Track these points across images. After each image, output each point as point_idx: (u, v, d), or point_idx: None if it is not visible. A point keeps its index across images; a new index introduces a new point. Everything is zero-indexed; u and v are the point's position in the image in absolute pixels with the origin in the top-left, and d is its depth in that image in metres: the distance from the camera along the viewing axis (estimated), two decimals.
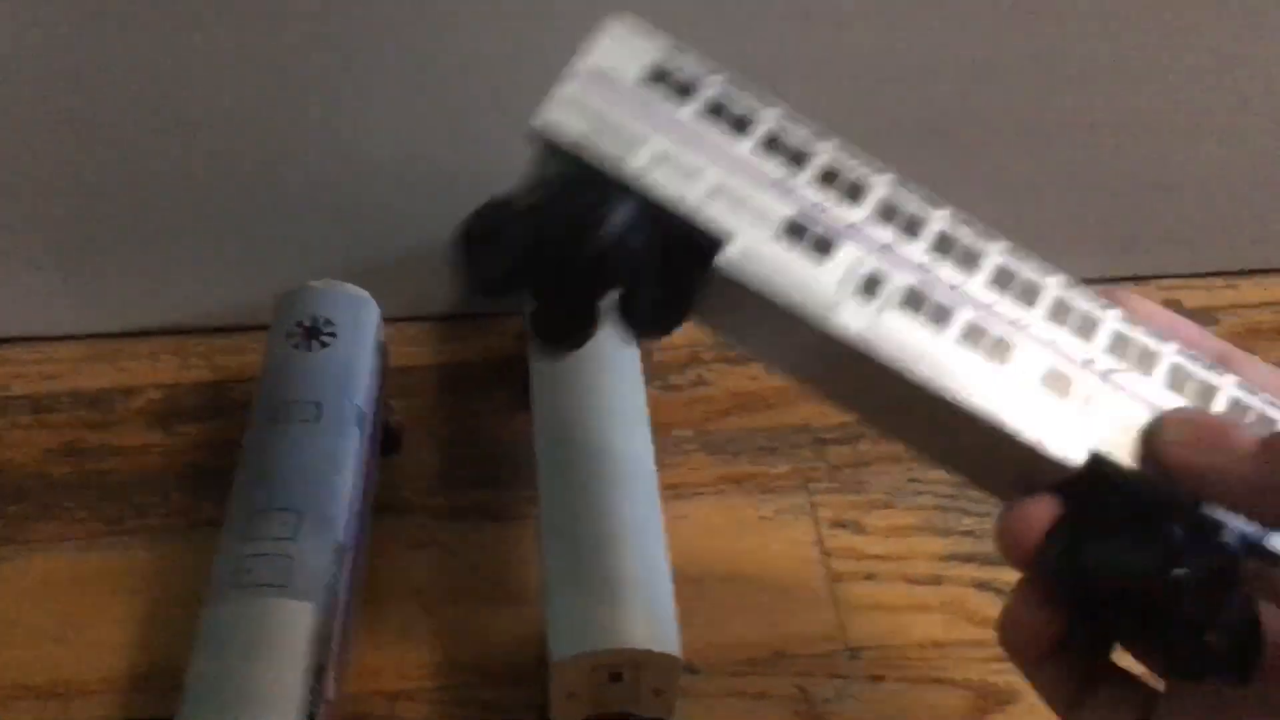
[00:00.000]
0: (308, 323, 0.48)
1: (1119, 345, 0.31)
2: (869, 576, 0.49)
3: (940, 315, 0.31)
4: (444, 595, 0.48)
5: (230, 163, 0.53)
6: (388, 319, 0.51)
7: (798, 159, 0.32)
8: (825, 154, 0.32)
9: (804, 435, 0.54)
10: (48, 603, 0.48)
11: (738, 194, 0.31)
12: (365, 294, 0.50)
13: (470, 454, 0.54)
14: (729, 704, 0.45)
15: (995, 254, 0.32)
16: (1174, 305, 0.62)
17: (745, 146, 0.32)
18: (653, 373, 0.54)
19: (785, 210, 0.31)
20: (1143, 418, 0.30)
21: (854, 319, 0.31)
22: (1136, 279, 0.62)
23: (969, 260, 0.32)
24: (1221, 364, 0.32)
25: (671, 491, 0.50)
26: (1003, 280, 0.32)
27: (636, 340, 0.32)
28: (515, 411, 0.54)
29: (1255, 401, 0.31)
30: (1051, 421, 0.30)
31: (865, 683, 0.46)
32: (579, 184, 0.31)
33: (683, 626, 0.41)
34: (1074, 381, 0.31)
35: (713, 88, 0.33)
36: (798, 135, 0.33)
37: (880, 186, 0.32)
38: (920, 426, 0.32)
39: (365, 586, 0.47)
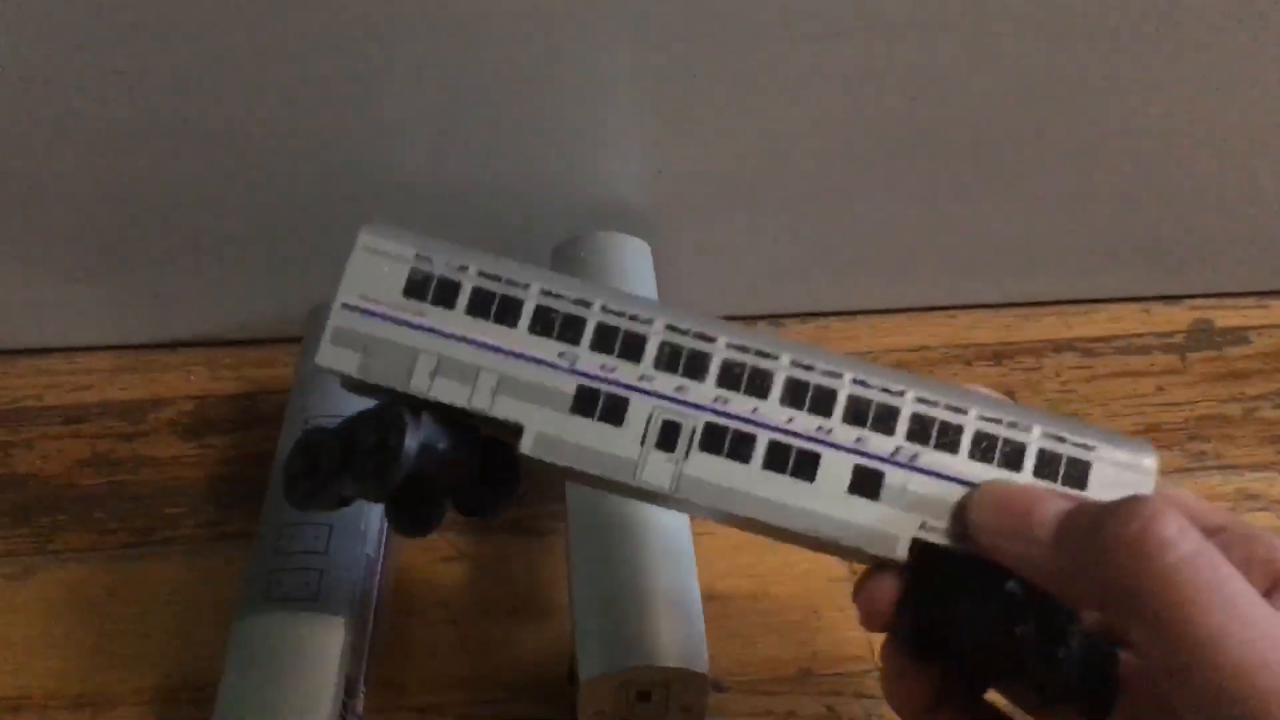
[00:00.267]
0: None
1: (919, 430, 0.32)
2: None
3: (741, 447, 0.32)
4: (472, 610, 0.48)
5: (263, 176, 0.53)
6: None
7: (572, 328, 0.33)
8: (596, 316, 0.33)
9: None
10: (79, 613, 0.48)
11: (522, 382, 0.33)
12: None
13: None
14: None
15: (783, 371, 0.33)
16: (1205, 324, 0.61)
17: (519, 332, 0.33)
18: None
19: (570, 385, 0.33)
20: (957, 494, 0.32)
21: (660, 474, 0.32)
22: (1167, 298, 0.62)
23: (759, 384, 0.33)
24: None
25: None
26: (796, 396, 0.33)
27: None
28: None
29: (1064, 449, 0.32)
30: (868, 524, 0.32)
31: None
32: (377, 410, 0.33)
33: (710, 644, 0.40)
34: (885, 476, 0.32)
35: (472, 279, 0.33)
36: (566, 303, 0.33)
37: (656, 334, 0.33)
38: (753, 529, 0.34)
39: (393, 600, 0.47)
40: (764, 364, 0.33)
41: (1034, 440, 0.32)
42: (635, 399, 0.33)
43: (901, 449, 0.32)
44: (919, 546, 0.32)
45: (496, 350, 0.33)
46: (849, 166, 0.55)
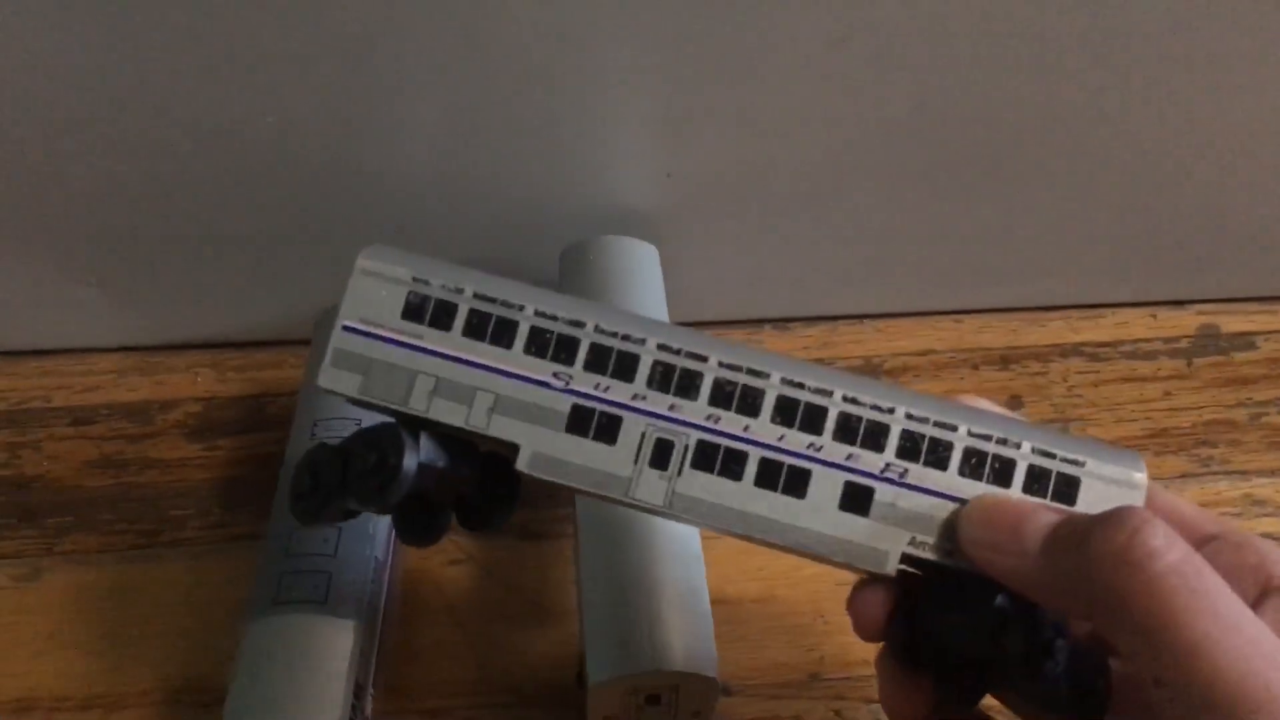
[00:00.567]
0: None
1: (909, 447, 0.33)
2: None
3: (732, 464, 0.33)
4: (480, 614, 0.48)
5: (271, 179, 0.53)
6: None
7: (566, 348, 0.34)
8: (589, 337, 0.34)
9: None
10: (86, 614, 0.48)
11: (517, 401, 0.33)
12: None
13: None
14: None
15: (774, 390, 0.33)
16: (1212, 329, 0.61)
17: (514, 353, 0.34)
18: None
19: (565, 404, 0.33)
20: (947, 509, 0.32)
21: (653, 491, 0.33)
22: (1174, 303, 0.62)
23: (750, 402, 0.33)
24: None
25: None
26: (787, 413, 0.33)
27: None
28: None
29: (1054, 464, 0.33)
30: (859, 540, 0.32)
31: None
32: (376, 429, 0.34)
33: (718, 648, 0.41)
34: (875, 493, 0.33)
35: (468, 301, 0.34)
36: (560, 324, 0.34)
37: (648, 354, 0.34)
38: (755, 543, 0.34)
39: (401, 604, 0.47)
40: (755, 382, 0.33)
41: (1023, 456, 0.33)
42: (629, 418, 0.33)
43: (891, 465, 0.33)
44: (909, 561, 0.32)
45: (492, 371, 0.34)
46: (857, 171, 0.55)
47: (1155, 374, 0.59)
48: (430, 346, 0.34)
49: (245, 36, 0.48)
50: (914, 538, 0.32)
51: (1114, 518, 0.27)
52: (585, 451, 0.33)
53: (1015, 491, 0.32)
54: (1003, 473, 0.33)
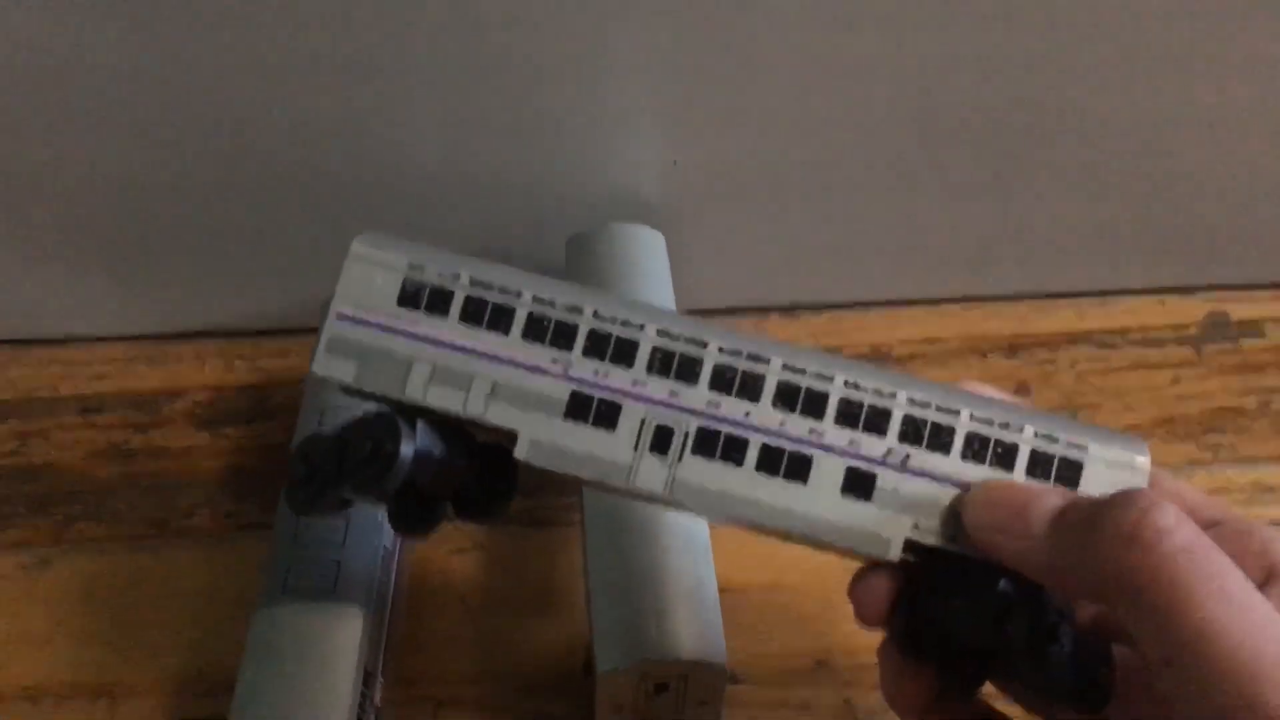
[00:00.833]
0: None
1: (911, 432, 0.32)
2: None
3: (733, 451, 0.32)
4: (488, 602, 0.48)
5: (277, 167, 0.53)
6: None
7: (564, 334, 0.33)
8: (588, 323, 0.34)
9: None
10: (95, 603, 0.48)
11: (515, 389, 0.33)
12: None
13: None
14: (774, 714, 0.45)
15: (774, 375, 0.33)
16: (1220, 316, 0.61)
17: (512, 339, 0.33)
18: None
19: (564, 391, 0.33)
20: (949, 494, 0.32)
21: (653, 478, 0.33)
22: (1183, 290, 0.62)
23: (751, 387, 0.33)
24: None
25: None
26: (788, 399, 0.33)
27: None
28: None
29: (1057, 449, 0.32)
30: (861, 525, 0.32)
31: None
32: (372, 417, 0.34)
33: (726, 636, 0.41)
34: (877, 478, 0.32)
35: (465, 288, 0.34)
36: (558, 310, 0.34)
37: (647, 340, 0.33)
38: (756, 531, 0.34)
39: (409, 593, 0.47)
40: (756, 368, 0.33)
41: (1026, 441, 0.32)
42: (628, 404, 0.33)
43: (893, 451, 0.32)
44: (910, 551, 0.32)
45: (490, 358, 0.33)
46: (863, 158, 0.55)
47: (1164, 361, 0.59)
48: (426, 333, 0.34)
49: (252, 28, 0.48)
50: (917, 523, 0.32)
51: (1123, 499, 0.27)
52: (585, 438, 0.33)
53: (1018, 476, 0.32)
54: (1005, 457, 0.32)
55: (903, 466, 0.32)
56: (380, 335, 0.34)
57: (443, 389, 0.33)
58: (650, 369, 0.33)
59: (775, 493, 0.32)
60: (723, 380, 0.33)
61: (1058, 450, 0.32)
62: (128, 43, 0.48)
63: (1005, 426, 0.33)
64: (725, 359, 0.33)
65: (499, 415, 0.33)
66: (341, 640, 0.39)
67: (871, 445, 0.33)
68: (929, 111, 0.53)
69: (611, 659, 0.39)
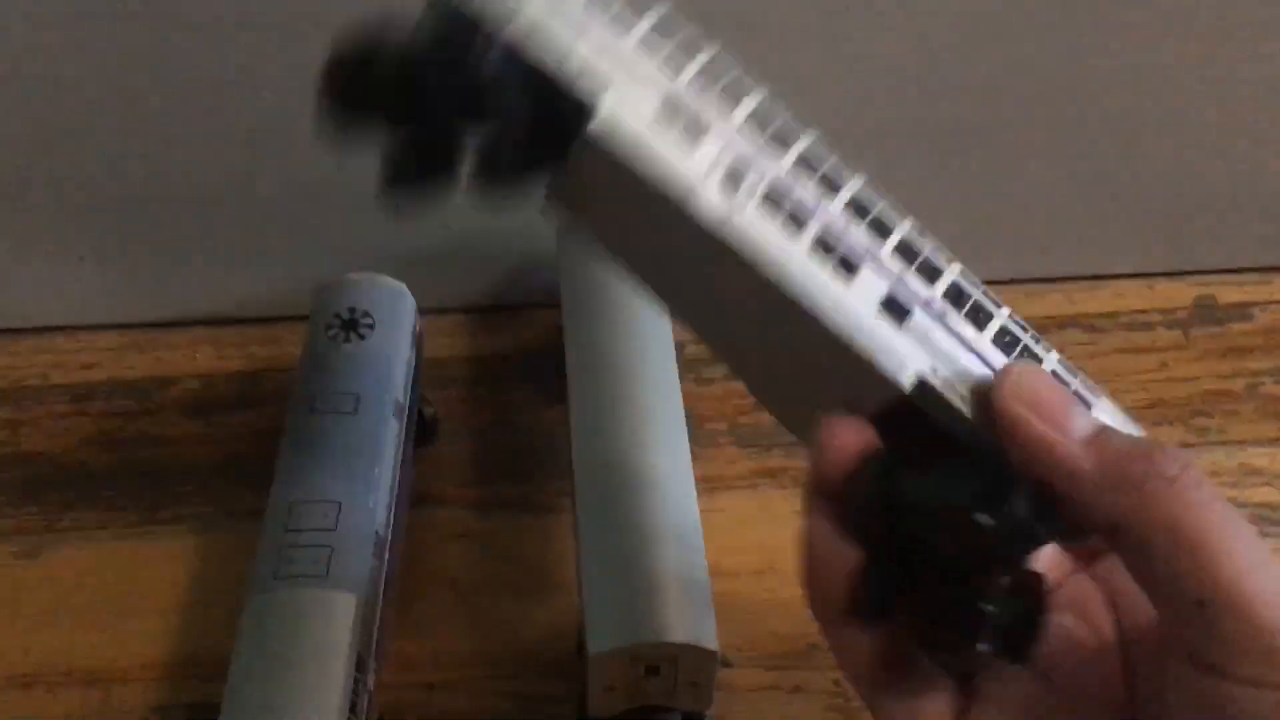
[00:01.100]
0: (346, 315, 0.48)
1: (957, 296, 0.32)
2: None
3: (796, 221, 0.31)
4: (480, 587, 0.49)
5: (268, 155, 0.53)
6: (422, 311, 0.51)
7: (687, 50, 0.32)
8: (710, 54, 0.32)
9: None
10: (87, 591, 0.48)
11: (619, 62, 0.31)
12: (402, 286, 0.50)
13: (505, 446, 0.54)
14: (765, 697, 0.46)
15: (856, 184, 0.32)
16: (1208, 300, 0.61)
17: (640, 28, 0.32)
18: (686, 366, 0.54)
19: (662, 90, 0.31)
20: (973, 366, 0.31)
21: (713, 204, 0.31)
22: (1171, 274, 0.62)
23: (831, 183, 0.32)
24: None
25: (705, 485, 0.50)
26: (860, 209, 0.32)
27: (490, 199, 0.31)
28: (550, 403, 0.55)
29: (1074, 381, 0.31)
30: (885, 342, 0.31)
31: None
32: (458, 23, 0.30)
33: (718, 620, 0.41)
34: (912, 315, 0.31)
35: None
36: (688, 34, 0.32)
37: (753, 99, 0.32)
38: (753, 335, 0.33)
39: (401, 578, 0.47)
40: (841, 175, 0.32)
41: (1049, 362, 0.32)
42: (716, 128, 0.31)
43: (935, 303, 0.31)
44: (919, 389, 0.30)
45: (606, 30, 0.31)
46: (853, 144, 0.55)
47: (1152, 345, 0.59)
48: None
49: (239, 14, 0.48)
50: (936, 368, 0.31)
51: (1167, 449, 0.26)
52: (662, 141, 0.31)
53: None
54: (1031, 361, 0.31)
55: (940, 320, 0.31)
56: None
57: (551, 27, 0.30)
58: (750, 120, 0.32)
59: (817, 277, 0.31)
60: (808, 164, 0.32)
61: (1074, 383, 0.32)
62: (116, 39, 0.48)
63: (1036, 341, 0.32)
64: (817, 151, 0.32)
65: (592, 78, 0.30)
66: (334, 626, 0.39)
67: (918, 287, 0.31)
68: (918, 98, 0.53)
69: (603, 642, 0.39)
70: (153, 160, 0.52)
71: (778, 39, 0.51)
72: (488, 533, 0.50)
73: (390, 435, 0.46)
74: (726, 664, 0.46)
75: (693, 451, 0.46)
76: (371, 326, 0.48)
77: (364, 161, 0.54)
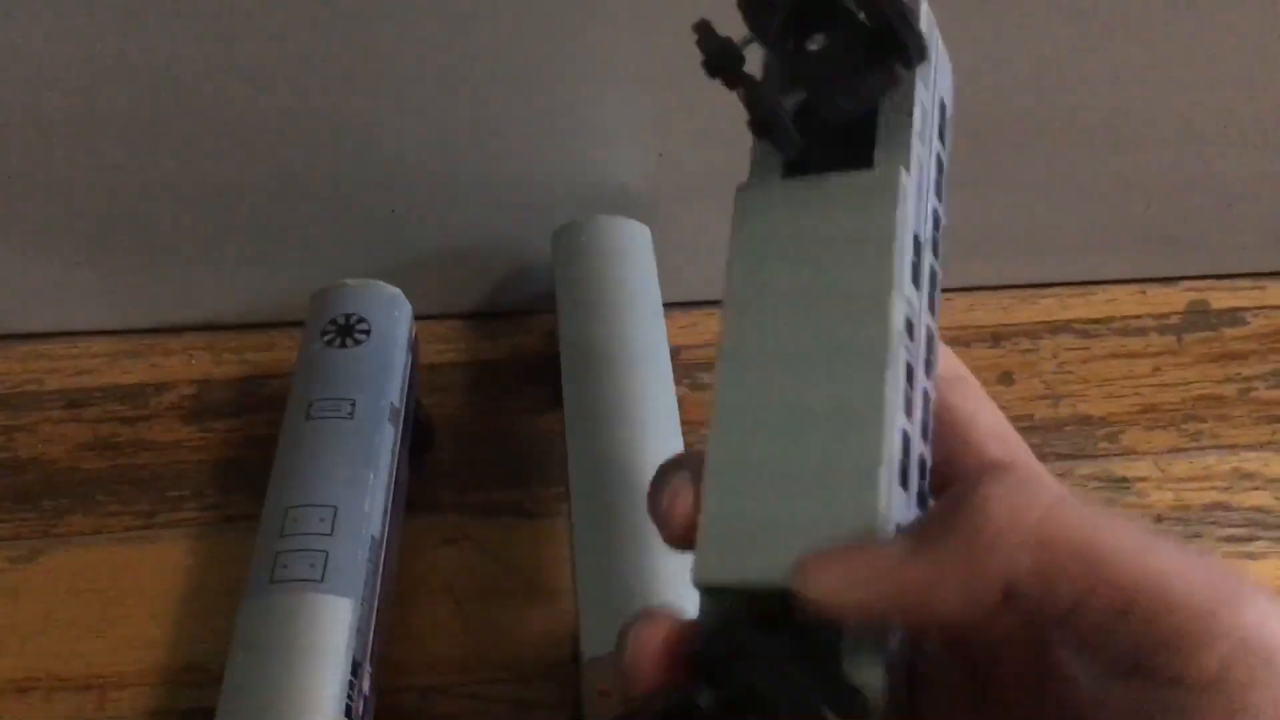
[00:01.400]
0: (342, 320, 0.49)
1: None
2: None
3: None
4: (475, 591, 0.49)
5: (264, 163, 0.53)
6: (418, 316, 0.51)
7: None
8: None
9: None
10: (83, 596, 0.48)
11: None
12: (398, 291, 0.51)
13: (501, 451, 0.54)
14: None
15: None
16: (1201, 305, 0.62)
17: None
18: (681, 371, 0.54)
19: None
20: None
21: None
22: (1164, 280, 0.63)
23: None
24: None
25: None
26: None
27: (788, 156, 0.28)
28: (546, 409, 0.55)
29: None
30: None
31: None
32: None
33: None
34: None
35: None
36: None
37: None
38: None
39: (397, 582, 0.47)
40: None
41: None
42: None
43: None
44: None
45: None
46: None
47: (1145, 350, 0.60)
48: None
49: (236, 20, 0.48)
50: None
51: (972, 494, 0.24)
52: None
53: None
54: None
55: None
56: None
57: None
58: None
59: None
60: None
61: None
62: (113, 45, 0.48)
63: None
64: None
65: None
66: (330, 630, 0.39)
67: None
68: None
69: (597, 646, 0.40)
70: (148, 167, 0.52)
71: None
72: (483, 538, 0.50)
73: (386, 440, 0.46)
74: None
75: None
76: (367, 332, 0.48)
77: (360, 166, 0.54)
